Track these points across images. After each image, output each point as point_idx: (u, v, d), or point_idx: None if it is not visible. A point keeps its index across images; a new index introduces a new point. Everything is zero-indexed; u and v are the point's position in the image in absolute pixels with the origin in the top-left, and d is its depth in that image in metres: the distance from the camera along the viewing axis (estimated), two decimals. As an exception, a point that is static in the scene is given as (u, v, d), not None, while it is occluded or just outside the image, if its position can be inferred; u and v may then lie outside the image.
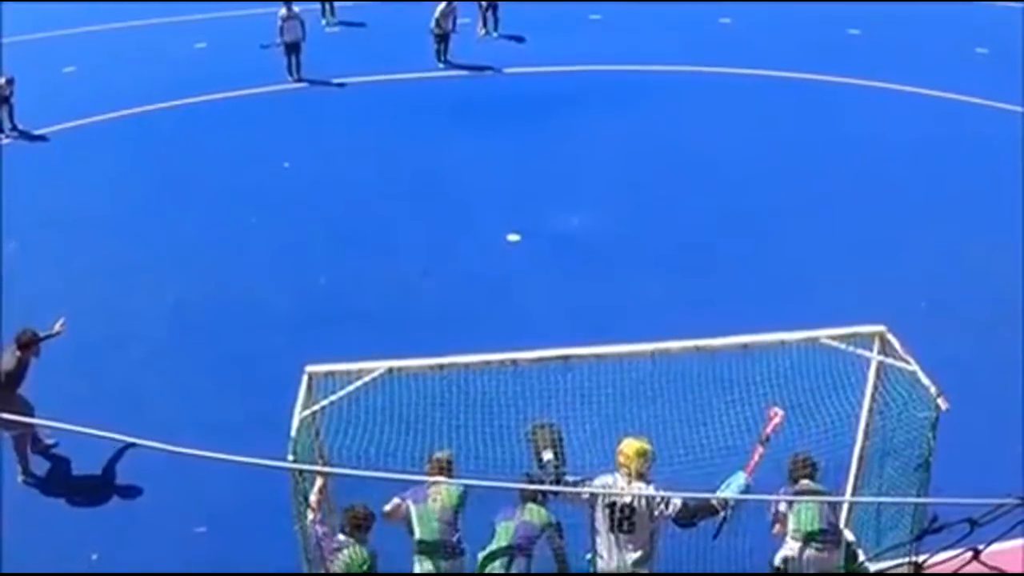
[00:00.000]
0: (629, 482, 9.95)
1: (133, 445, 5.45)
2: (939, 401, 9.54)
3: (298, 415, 9.36)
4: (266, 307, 16.94)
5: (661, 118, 23.33)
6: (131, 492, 12.94)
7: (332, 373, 9.65)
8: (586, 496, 10.07)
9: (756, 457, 10.40)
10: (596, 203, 19.91)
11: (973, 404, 13.82)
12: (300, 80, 26.59)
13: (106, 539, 12.26)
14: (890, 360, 10.12)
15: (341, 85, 26.18)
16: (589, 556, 10.39)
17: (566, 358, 9.84)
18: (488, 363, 9.75)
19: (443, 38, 27.58)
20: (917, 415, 9.90)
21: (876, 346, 10.29)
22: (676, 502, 9.90)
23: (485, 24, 29.67)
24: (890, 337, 10.25)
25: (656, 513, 10.00)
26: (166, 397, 14.71)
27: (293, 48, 26.60)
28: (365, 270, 17.98)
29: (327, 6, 31.82)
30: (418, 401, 9.97)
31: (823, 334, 10.43)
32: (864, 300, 14.62)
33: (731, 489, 10.12)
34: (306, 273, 17.73)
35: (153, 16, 32.56)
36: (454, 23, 27.71)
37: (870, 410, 10.64)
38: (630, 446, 10.07)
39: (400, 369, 9.58)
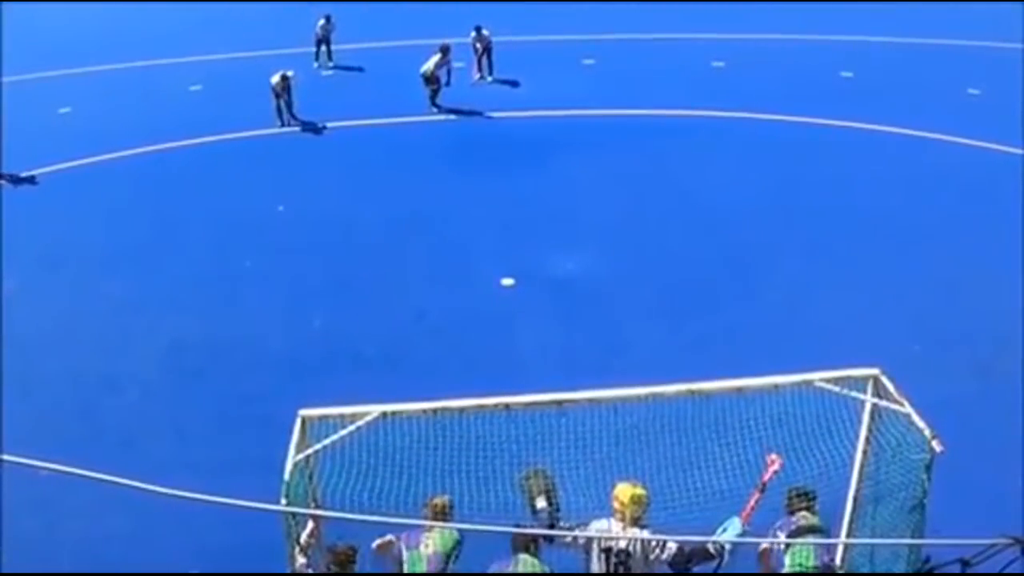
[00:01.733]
0: (624, 528, 9.92)
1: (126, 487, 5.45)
2: (933, 443, 9.54)
3: (292, 458, 9.34)
4: (260, 350, 16.95)
5: (654, 161, 23.46)
6: (125, 532, 12.87)
7: (326, 416, 9.64)
8: (581, 542, 10.01)
9: (752, 503, 10.37)
10: (590, 246, 19.97)
11: (968, 445, 13.89)
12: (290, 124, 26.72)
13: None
14: (884, 403, 10.12)
15: (335, 129, 26.27)
16: None
17: (560, 403, 9.84)
18: (482, 407, 9.74)
19: (434, 85, 27.77)
20: (911, 457, 9.90)
21: (870, 389, 10.29)
22: (671, 547, 9.86)
23: (480, 69, 29.79)
24: (884, 380, 10.25)
25: (651, 558, 9.97)
26: (160, 438, 14.72)
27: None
28: (359, 314, 17.99)
29: (323, 49, 32.00)
30: (412, 445, 9.96)
31: (817, 377, 10.44)
32: (858, 341, 14.64)
33: (727, 534, 10.06)
34: (300, 316, 17.75)
35: (148, 57, 32.73)
36: (448, 74, 27.83)
37: (864, 452, 10.62)
38: (624, 492, 10.05)
39: (394, 413, 9.57)
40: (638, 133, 25.54)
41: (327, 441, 9.55)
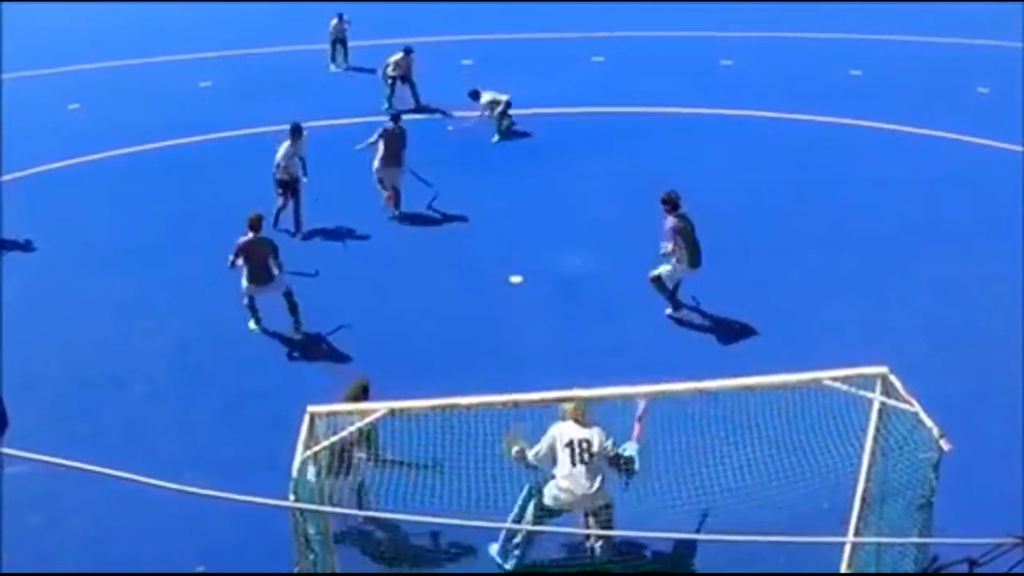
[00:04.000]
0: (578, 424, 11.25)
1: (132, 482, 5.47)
2: (941, 442, 9.53)
3: (299, 455, 9.35)
4: (267, 346, 16.94)
5: (663, 159, 23.46)
6: (130, 529, 12.86)
7: (334, 413, 9.66)
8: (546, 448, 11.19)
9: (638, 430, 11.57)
10: (599, 244, 19.96)
11: (976, 443, 13.88)
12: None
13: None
14: (892, 401, 10.11)
15: (345, 125, 26.27)
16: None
17: (567, 399, 9.84)
18: (489, 404, 9.75)
19: (394, 83, 28.36)
20: (919, 456, 9.89)
21: (878, 387, 10.27)
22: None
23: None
24: (892, 378, 10.23)
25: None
26: (167, 435, 14.69)
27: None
28: (367, 310, 17.98)
29: (339, 49, 31.97)
30: (419, 442, 9.98)
31: (825, 375, 10.43)
32: (866, 340, 14.62)
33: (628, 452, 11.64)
34: (306, 314, 17.74)
35: (158, 54, 32.81)
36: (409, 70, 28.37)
37: (872, 451, 10.61)
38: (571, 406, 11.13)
39: (401, 410, 9.57)
40: (647, 131, 25.57)
41: (335, 437, 9.56)
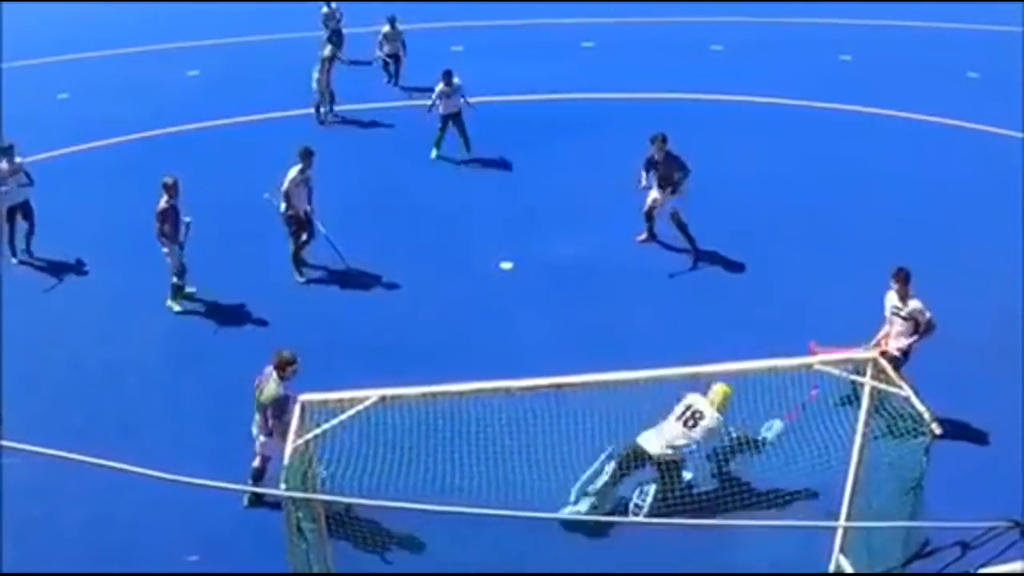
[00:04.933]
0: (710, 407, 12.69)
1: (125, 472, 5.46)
2: (932, 426, 9.56)
3: (291, 444, 9.34)
4: (259, 335, 16.90)
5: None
6: (124, 519, 12.91)
7: (325, 402, 9.64)
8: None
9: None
10: (589, 231, 19.95)
11: (968, 428, 13.93)
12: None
13: (97, 564, 12.18)
14: (883, 385, 10.13)
15: (331, 112, 26.21)
16: None
17: (559, 386, 9.84)
18: (480, 391, 9.75)
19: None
20: (910, 440, 9.92)
21: (869, 371, 10.30)
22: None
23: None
24: (883, 363, 10.28)
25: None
26: (161, 424, 14.71)
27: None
28: (358, 298, 17.99)
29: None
30: (411, 429, 9.97)
31: (816, 360, 10.49)
32: (859, 325, 14.62)
33: (771, 432, 12.79)
34: (298, 301, 17.72)
35: (147, 43, 32.68)
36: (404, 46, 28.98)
37: (863, 434, 10.64)
38: (720, 389, 12.68)
39: (393, 397, 9.56)
40: (638, 117, 25.40)
41: (326, 426, 9.54)
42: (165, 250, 17.48)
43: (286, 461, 9.19)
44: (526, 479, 10.52)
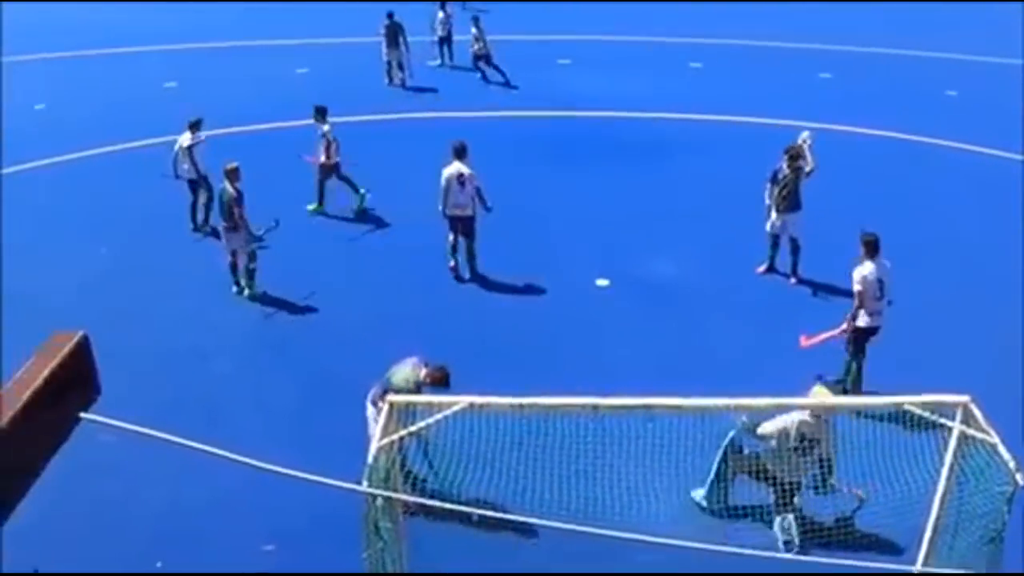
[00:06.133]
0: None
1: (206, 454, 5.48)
2: (1017, 476, 9.34)
3: (376, 443, 9.36)
4: (352, 332, 17.02)
5: (757, 169, 23.16)
6: (201, 503, 13.04)
7: (413, 404, 9.66)
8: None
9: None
10: (688, 251, 19.76)
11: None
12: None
13: (170, 545, 12.38)
14: (972, 431, 9.92)
15: (436, 119, 26.34)
16: None
17: (648, 407, 9.75)
18: (569, 406, 9.69)
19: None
20: (994, 488, 9.71)
21: (959, 415, 10.09)
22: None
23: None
24: (973, 408, 10.05)
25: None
26: (247, 411, 14.85)
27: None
28: (452, 303, 18.01)
29: (445, 48, 32.12)
30: (496, 439, 9.94)
31: (907, 400, 10.29)
32: (948, 366, 14.30)
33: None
34: (395, 302, 17.82)
35: (260, 38, 33.16)
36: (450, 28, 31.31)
37: (948, 480, 10.43)
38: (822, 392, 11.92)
39: (481, 405, 9.54)
40: (742, 140, 25.29)
41: (413, 428, 9.56)
42: (236, 235, 17.80)
43: (370, 459, 9.20)
44: (607, 498, 10.45)
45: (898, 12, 37.65)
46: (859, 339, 14.95)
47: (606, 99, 27.94)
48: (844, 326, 14.94)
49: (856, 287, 14.64)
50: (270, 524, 12.60)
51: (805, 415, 11.89)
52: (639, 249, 19.92)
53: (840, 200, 20.54)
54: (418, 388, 12.20)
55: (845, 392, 14.61)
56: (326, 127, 21.02)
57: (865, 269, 14.66)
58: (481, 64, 30.39)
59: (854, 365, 15.13)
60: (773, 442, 12.13)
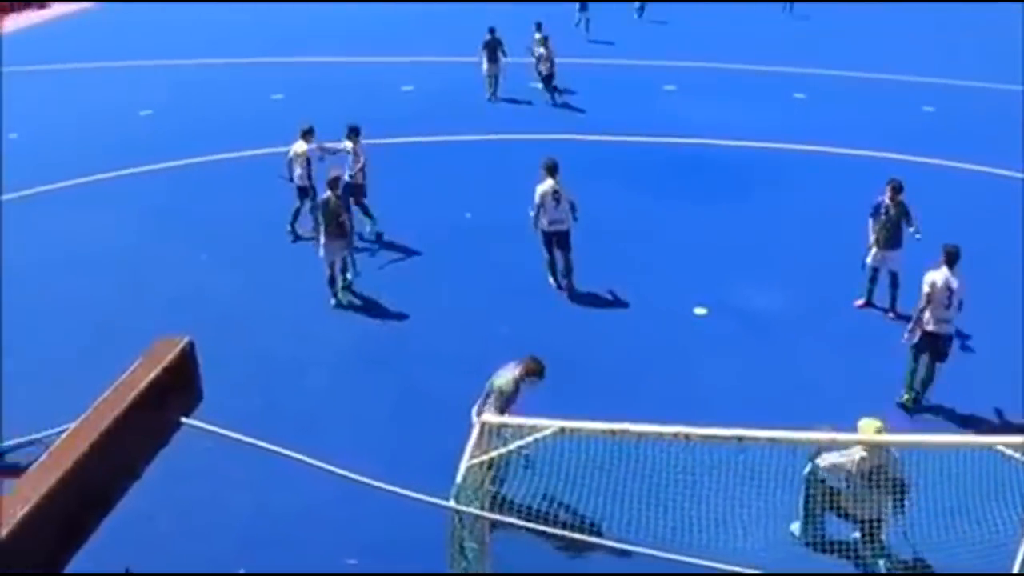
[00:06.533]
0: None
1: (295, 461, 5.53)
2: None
3: (466, 462, 9.39)
4: (446, 351, 17.09)
5: (859, 202, 22.89)
6: (287, 512, 13.13)
7: (505, 425, 9.67)
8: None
9: None
10: (787, 282, 19.52)
11: None
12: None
13: (255, 551, 12.50)
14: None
15: (538, 140, 26.40)
16: None
17: (740, 438, 9.65)
18: (660, 434, 9.62)
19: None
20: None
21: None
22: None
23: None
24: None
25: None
26: (340, 424, 14.97)
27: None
28: (547, 325, 17.99)
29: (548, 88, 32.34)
30: (586, 463, 9.91)
31: (999, 440, 10.04)
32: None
33: None
34: (489, 321, 17.87)
35: (367, 54, 33.44)
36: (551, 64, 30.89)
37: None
38: (870, 425, 11.26)
39: (572, 430, 9.53)
40: (844, 172, 25.03)
41: (503, 449, 9.57)
42: (339, 244, 18.17)
43: (459, 478, 9.23)
44: (694, 527, 10.35)
45: (1009, 46, 36.98)
46: (925, 344, 15.26)
47: (708, 126, 27.85)
48: (910, 327, 15.22)
49: (924, 288, 14.88)
50: (356, 538, 12.66)
51: (862, 451, 11.68)
52: (739, 279, 19.74)
53: (939, 237, 20.18)
54: (517, 386, 12.35)
55: (917, 401, 15.27)
56: (351, 144, 21.12)
57: (936, 275, 14.90)
58: (544, 84, 30.60)
59: (916, 366, 15.46)
60: (843, 477, 11.96)
